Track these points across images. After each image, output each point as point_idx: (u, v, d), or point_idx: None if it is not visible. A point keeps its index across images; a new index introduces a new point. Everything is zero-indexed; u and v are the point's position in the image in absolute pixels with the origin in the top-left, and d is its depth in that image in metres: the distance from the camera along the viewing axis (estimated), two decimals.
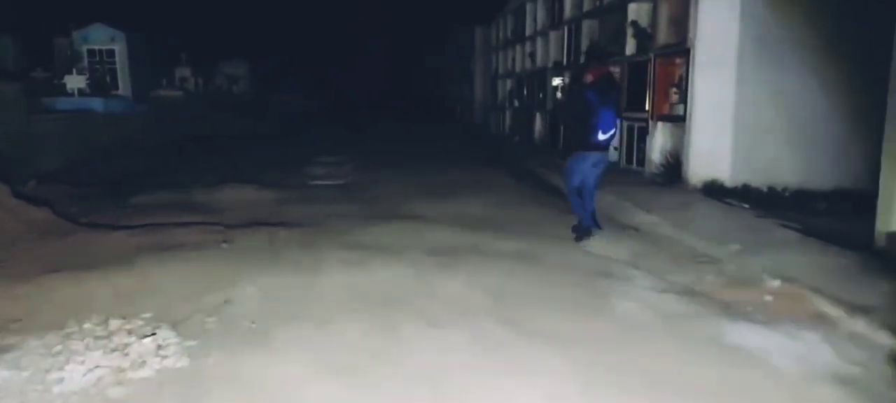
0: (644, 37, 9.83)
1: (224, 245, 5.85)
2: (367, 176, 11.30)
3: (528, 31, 16.97)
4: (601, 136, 6.14)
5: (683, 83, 8.63)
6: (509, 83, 19.55)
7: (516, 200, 8.74)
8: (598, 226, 6.52)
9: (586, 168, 6.32)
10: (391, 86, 61.93)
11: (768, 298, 4.65)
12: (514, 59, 18.79)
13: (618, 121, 6.30)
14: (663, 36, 9.18)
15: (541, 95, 15.89)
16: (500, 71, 20.83)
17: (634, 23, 10.03)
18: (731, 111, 7.97)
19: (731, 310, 4.41)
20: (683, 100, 8.58)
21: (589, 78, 6.32)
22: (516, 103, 18.46)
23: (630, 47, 10.27)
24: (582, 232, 6.46)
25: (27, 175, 8.80)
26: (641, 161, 10.05)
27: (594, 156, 6.28)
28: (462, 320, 4.12)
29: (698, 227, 6.59)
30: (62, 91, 12.45)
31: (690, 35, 8.22)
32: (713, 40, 7.94)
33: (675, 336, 3.94)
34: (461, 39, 29.35)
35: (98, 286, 4.69)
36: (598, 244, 6.28)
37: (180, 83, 20.72)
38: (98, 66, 13.55)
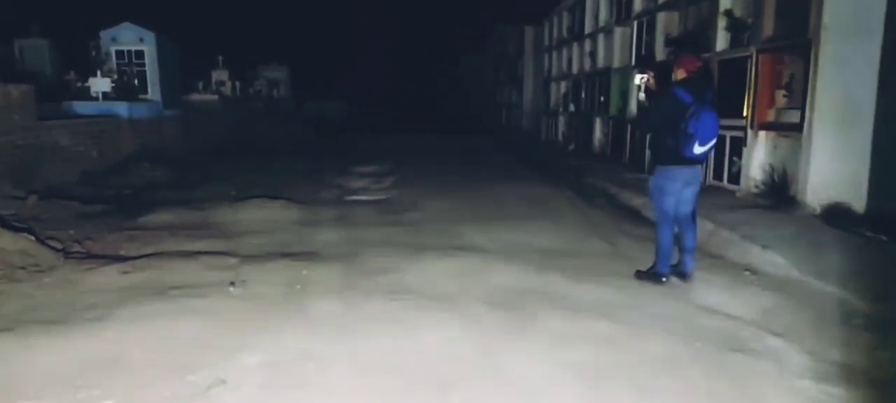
0: (741, 28, 8.24)
1: (231, 288, 4.62)
2: (408, 191, 10.01)
3: (587, 29, 15.43)
4: (698, 149, 4.67)
5: (798, 84, 7.03)
6: (564, 86, 18.03)
7: (587, 226, 7.29)
8: (686, 273, 5.03)
9: (677, 188, 4.86)
10: (433, 89, 60.88)
11: None
12: (570, 60, 17.26)
13: (718, 127, 4.83)
14: (770, 27, 7.58)
15: (602, 99, 14.36)
16: (554, 73, 19.31)
17: (729, 12, 8.44)
18: (870, 118, 6.33)
19: None
20: (800, 104, 6.97)
21: (680, 73, 4.86)
22: (572, 108, 16.93)
23: (721, 42, 8.67)
24: (650, 276, 5.01)
25: (31, 188, 7.83)
26: (735, 177, 8.44)
27: (687, 172, 4.83)
28: None
29: (841, 271, 5.01)
30: (87, 94, 11.64)
31: (813, 24, 6.61)
32: (847, 30, 6.33)
33: None
34: (508, 40, 27.89)
35: (53, 354, 3.50)
36: (711, 293, 4.80)
37: (216, 87, 19.96)
38: (126, 69, 12.75)
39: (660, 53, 10.93)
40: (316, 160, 14.72)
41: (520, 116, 25.49)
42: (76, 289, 4.55)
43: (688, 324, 4.16)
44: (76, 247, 5.86)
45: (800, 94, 7.03)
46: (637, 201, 8.57)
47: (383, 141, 21.98)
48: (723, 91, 8.53)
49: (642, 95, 5.22)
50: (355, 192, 10.15)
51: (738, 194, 8.15)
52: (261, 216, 7.63)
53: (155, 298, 4.37)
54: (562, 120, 18.15)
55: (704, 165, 9.01)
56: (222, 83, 20.51)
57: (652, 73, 5.15)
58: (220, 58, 21.02)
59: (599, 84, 14.47)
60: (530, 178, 11.60)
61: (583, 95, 15.80)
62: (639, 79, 5.30)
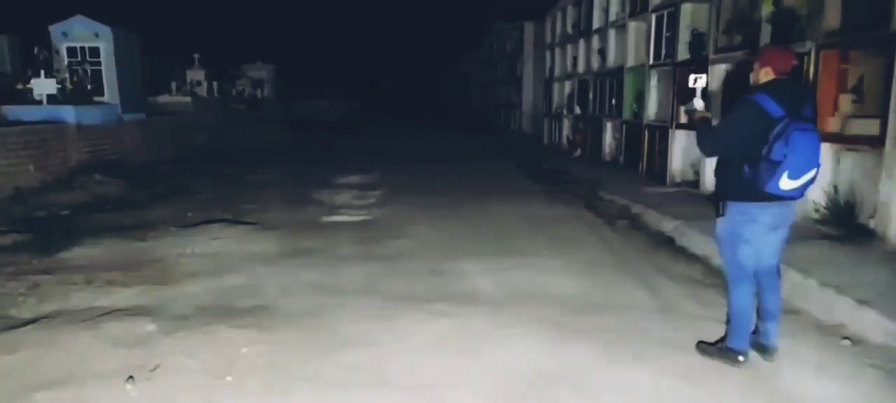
0: (792, 20, 6.86)
1: (129, 386, 3.20)
2: (397, 208, 8.63)
3: (596, 24, 14.04)
4: (788, 183, 3.22)
5: (875, 87, 5.67)
6: (569, 86, 16.65)
7: (615, 262, 5.90)
8: (770, 347, 3.65)
9: (759, 233, 3.46)
10: (429, 89, 59.61)
11: None
12: (575, 58, 15.88)
13: (820, 153, 3.41)
14: (834, 18, 6.22)
15: (613, 101, 13.00)
16: (557, 72, 17.92)
17: (776, 1, 7.07)
18: None
19: None
20: (878, 111, 5.60)
21: (764, 73, 3.47)
22: (578, 110, 15.54)
23: (765, 37, 7.31)
24: (722, 353, 3.63)
25: None
26: None
27: (773, 210, 3.41)
28: None
29: None
30: (30, 97, 10.19)
31: None
32: None
33: None
34: (507, 37, 26.57)
35: None
36: (811, 381, 3.42)
37: (191, 87, 18.46)
38: (77, 68, 11.30)
39: (682, 52, 9.58)
40: (298, 168, 13.35)
41: (519, 118, 24.17)
42: None
43: None
44: None
45: (877, 100, 5.67)
46: (667, 224, 7.21)
47: (374, 144, 20.61)
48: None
49: (700, 103, 3.83)
50: (337, 210, 8.74)
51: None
52: (213, 248, 6.23)
53: None
54: (566, 123, 16.77)
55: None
56: (198, 83, 19.02)
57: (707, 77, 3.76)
58: (196, 56, 19.52)
59: (610, 84, 13.10)
60: (536, 193, 10.23)
61: (591, 97, 14.42)
62: (693, 81, 3.94)
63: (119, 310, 4.37)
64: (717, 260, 5.83)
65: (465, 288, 5.04)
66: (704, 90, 3.90)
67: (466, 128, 29.73)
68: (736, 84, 7.56)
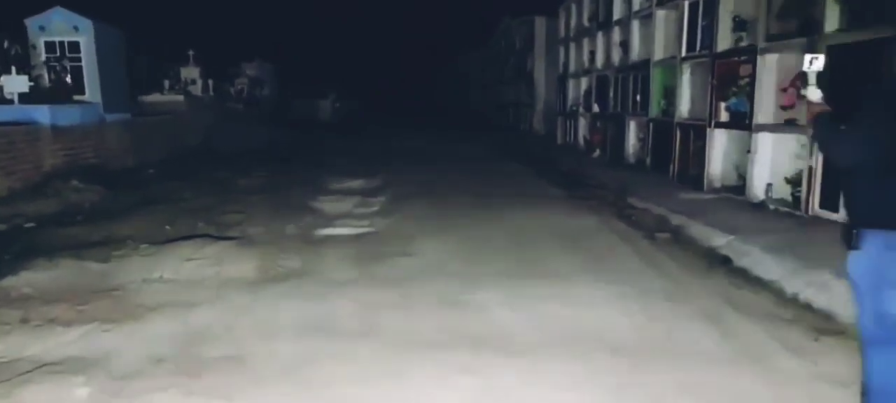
0: (864, 1, 5.85)
1: None
2: (402, 219, 7.67)
3: (617, 15, 13.01)
4: None
5: None
6: (585, 82, 15.62)
7: (668, 288, 4.90)
8: None
9: None
10: (434, 89, 58.68)
11: None
12: (592, 53, 14.85)
13: None
14: None
15: (637, 97, 11.98)
16: (572, 68, 16.88)
17: None
18: None
19: None
20: None
21: None
22: (596, 108, 14.51)
23: (831, 22, 6.31)
24: None
25: None
26: None
27: None
28: None
29: None
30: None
31: None
32: None
33: None
34: (515, 33, 25.58)
35: None
36: None
37: (184, 86, 17.56)
38: (55, 64, 10.40)
39: (724, 41, 8.55)
40: (295, 171, 12.40)
41: (530, 116, 23.18)
42: None
43: None
44: None
45: None
46: (718, 239, 6.21)
47: (375, 145, 19.67)
48: (836, 91, 6.15)
49: (816, 93, 2.86)
50: (333, 221, 7.76)
51: None
52: (186, 272, 5.26)
53: None
54: (583, 122, 15.75)
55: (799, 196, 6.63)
56: (192, 81, 18.11)
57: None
58: (191, 53, 18.62)
59: (634, 80, 12.07)
60: (556, 199, 9.22)
61: (611, 93, 13.38)
62: (808, 62, 2.96)
63: (50, 364, 3.42)
64: (791, 287, 4.87)
65: (489, 328, 4.05)
66: (820, 74, 2.92)
67: (467, 128, 28.76)
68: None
